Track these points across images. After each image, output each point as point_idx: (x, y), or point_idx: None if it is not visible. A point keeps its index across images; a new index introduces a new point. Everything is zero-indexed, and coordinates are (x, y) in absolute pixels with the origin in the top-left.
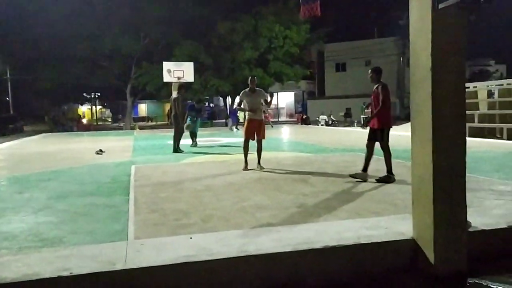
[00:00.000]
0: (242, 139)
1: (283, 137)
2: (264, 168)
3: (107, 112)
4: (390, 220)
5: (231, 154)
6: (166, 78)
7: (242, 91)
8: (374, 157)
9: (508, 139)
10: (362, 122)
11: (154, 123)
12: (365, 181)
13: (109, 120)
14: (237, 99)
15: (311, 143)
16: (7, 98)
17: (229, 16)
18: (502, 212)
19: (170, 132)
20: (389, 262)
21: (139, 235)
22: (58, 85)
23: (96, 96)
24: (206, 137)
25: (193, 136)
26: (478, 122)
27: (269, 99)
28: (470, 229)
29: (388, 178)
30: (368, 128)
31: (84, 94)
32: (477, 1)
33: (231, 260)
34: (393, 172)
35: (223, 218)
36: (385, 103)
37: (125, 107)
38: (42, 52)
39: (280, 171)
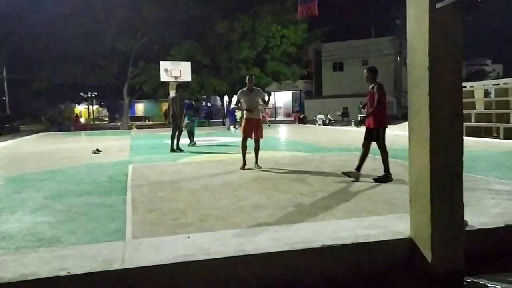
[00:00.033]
0: (239, 139)
1: (281, 136)
2: (261, 168)
3: (104, 111)
4: (388, 219)
5: (228, 153)
6: (164, 77)
7: (240, 90)
8: (371, 156)
9: (505, 138)
10: (359, 120)
11: (151, 122)
12: (357, 180)
13: (106, 119)
14: (235, 99)
15: (309, 142)
16: (4, 98)
17: (227, 16)
18: (499, 211)
19: (168, 132)
20: (387, 261)
21: (137, 235)
22: (55, 84)
23: (93, 95)
24: (204, 136)
25: (191, 135)
26: (475, 122)
27: (266, 98)
28: (467, 228)
29: (385, 178)
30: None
31: (81, 94)
32: (474, 0)
33: (229, 259)
34: (391, 171)
35: (221, 218)
36: (380, 103)
37: (122, 106)
38: (39, 51)
39: (277, 171)
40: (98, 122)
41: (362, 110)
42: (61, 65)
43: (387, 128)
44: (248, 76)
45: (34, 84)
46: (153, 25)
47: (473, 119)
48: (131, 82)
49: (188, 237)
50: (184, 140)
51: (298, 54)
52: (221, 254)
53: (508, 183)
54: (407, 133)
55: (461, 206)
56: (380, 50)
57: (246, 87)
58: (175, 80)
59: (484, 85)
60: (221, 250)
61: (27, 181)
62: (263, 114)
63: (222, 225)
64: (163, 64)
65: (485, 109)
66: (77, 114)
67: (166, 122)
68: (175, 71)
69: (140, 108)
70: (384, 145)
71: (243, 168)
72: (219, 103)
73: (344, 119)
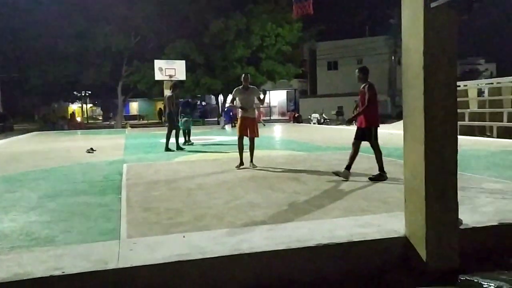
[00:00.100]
0: (234, 138)
1: (276, 135)
2: (256, 167)
3: (98, 110)
4: (382, 218)
5: (223, 152)
6: (158, 76)
7: (235, 89)
8: (366, 155)
9: (498, 137)
10: (347, 120)
11: (145, 121)
12: (347, 179)
13: (100, 118)
14: (230, 97)
15: (303, 141)
16: None
17: (221, 14)
18: (492, 209)
19: (162, 131)
20: (382, 259)
21: (132, 234)
22: (48, 83)
23: (87, 94)
24: (199, 135)
25: (188, 134)
26: (469, 121)
27: (262, 96)
28: (462, 227)
29: (380, 176)
30: (356, 126)
31: (75, 92)
32: (469, 0)
33: (224, 258)
34: (385, 170)
35: (216, 217)
36: (371, 102)
37: (116, 105)
38: (32, 50)
39: (272, 170)
40: (92, 121)
41: (355, 111)
42: (55, 63)
43: (379, 128)
44: (243, 75)
45: (28, 83)
46: (147, 24)
47: (466, 118)
48: (125, 81)
49: (183, 237)
50: (182, 140)
51: (293, 53)
52: (216, 253)
53: (501, 182)
54: (401, 132)
55: (455, 205)
56: (374, 49)
57: (241, 86)
58: (169, 79)
59: (478, 84)
60: (216, 249)
61: (21, 180)
62: (258, 113)
63: (218, 224)
64: (158, 63)
65: (478, 108)
66: (73, 112)
67: (160, 121)
68: (170, 69)
69: (134, 107)
70: (377, 144)
71: (239, 167)
72: (213, 102)
73: (338, 118)
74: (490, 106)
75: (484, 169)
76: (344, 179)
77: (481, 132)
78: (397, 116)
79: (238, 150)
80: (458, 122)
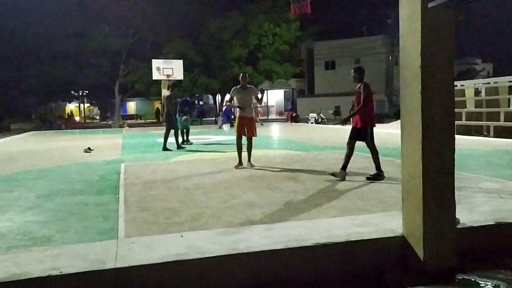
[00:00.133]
0: (232, 137)
1: (273, 135)
2: (254, 166)
3: (95, 110)
4: (380, 217)
5: (221, 152)
6: (156, 75)
7: (233, 88)
8: (363, 154)
9: (495, 136)
10: (341, 120)
11: (143, 121)
12: (343, 179)
13: (97, 118)
14: (227, 97)
15: (301, 141)
16: None
17: (219, 14)
18: (489, 209)
19: (159, 130)
20: (379, 259)
21: (129, 234)
22: (46, 82)
23: (84, 94)
24: (196, 135)
25: (187, 133)
26: (466, 120)
27: (260, 95)
28: (459, 226)
29: (377, 176)
30: (351, 126)
31: (72, 92)
32: (466, 0)
33: (222, 258)
34: (383, 169)
35: (214, 216)
36: (366, 102)
37: (114, 105)
38: (29, 49)
39: (270, 169)
40: (89, 121)
41: (351, 110)
42: (52, 63)
43: (375, 127)
44: (242, 74)
45: (25, 82)
46: (145, 23)
47: (463, 117)
48: (123, 81)
49: (181, 236)
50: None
51: (290, 53)
52: (214, 252)
53: (498, 181)
54: (399, 131)
55: (453, 204)
56: (372, 49)
57: (239, 85)
58: (167, 79)
59: (475, 84)
60: (214, 249)
61: (18, 180)
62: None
63: (215, 223)
64: (155, 63)
65: (475, 107)
66: (71, 112)
67: (157, 120)
68: (167, 69)
69: (131, 106)
70: (373, 144)
71: (238, 166)
72: (211, 101)
73: (336, 117)
74: (487, 106)
75: (481, 168)
76: (341, 179)
77: (478, 131)
78: (395, 115)
79: (236, 150)
80: (455, 121)
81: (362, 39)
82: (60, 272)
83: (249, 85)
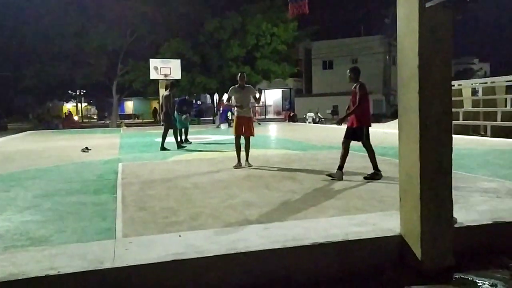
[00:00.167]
0: (230, 137)
1: (271, 134)
2: (252, 166)
3: (93, 109)
4: (378, 217)
5: (219, 151)
6: (153, 75)
7: (231, 87)
8: (360, 154)
9: (492, 136)
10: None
11: (140, 120)
12: (341, 179)
13: (95, 117)
14: (225, 96)
15: (299, 140)
16: None
17: (217, 14)
18: (487, 208)
19: (157, 130)
20: (377, 258)
21: (127, 233)
22: (43, 82)
23: (82, 93)
24: (194, 134)
25: (186, 132)
26: (463, 120)
27: (257, 95)
28: (456, 225)
29: (375, 175)
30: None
31: (69, 91)
32: (464, 0)
33: (220, 257)
34: (380, 169)
35: (212, 216)
36: (362, 102)
37: (111, 104)
38: (26, 49)
39: (268, 169)
40: (86, 120)
41: (347, 110)
42: (49, 62)
43: (371, 127)
44: (240, 74)
45: (22, 82)
46: (143, 23)
47: (461, 117)
48: (120, 80)
49: (179, 236)
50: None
51: (288, 53)
52: (212, 252)
53: (495, 181)
54: (396, 131)
55: (450, 204)
56: (369, 48)
57: (237, 85)
58: (165, 78)
59: (472, 84)
60: (212, 248)
61: (15, 179)
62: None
63: (213, 223)
64: (153, 62)
65: (472, 107)
66: (69, 111)
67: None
68: (165, 69)
69: (129, 106)
70: (369, 144)
71: (237, 166)
72: (209, 101)
73: (334, 117)
74: (484, 106)
75: (478, 168)
76: (338, 179)
77: (475, 131)
78: (392, 115)
79: (235, 150)
80: (453, 121)
81: (359, 39)
82: (58, 272)
83: (247, 85)
